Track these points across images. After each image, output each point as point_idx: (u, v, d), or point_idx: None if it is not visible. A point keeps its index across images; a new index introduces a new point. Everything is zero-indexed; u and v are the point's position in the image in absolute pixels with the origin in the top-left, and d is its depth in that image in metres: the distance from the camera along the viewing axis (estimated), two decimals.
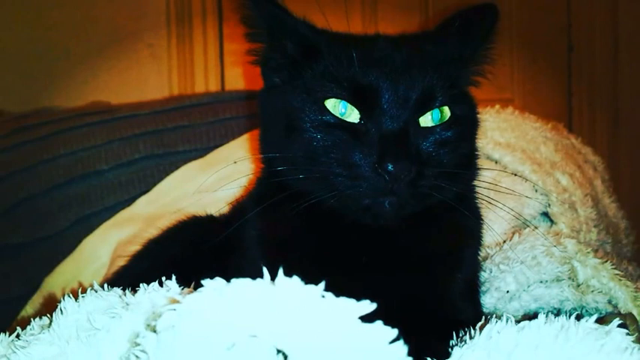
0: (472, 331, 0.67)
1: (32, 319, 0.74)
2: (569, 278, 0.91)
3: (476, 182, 0.88)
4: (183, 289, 0.67)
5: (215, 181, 1.09)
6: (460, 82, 0.87)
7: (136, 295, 0.68)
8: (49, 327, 0.69)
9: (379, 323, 0.54)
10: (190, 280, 0.69)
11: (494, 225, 0.98)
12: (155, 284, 0.68)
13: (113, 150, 1.37)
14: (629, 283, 0.91)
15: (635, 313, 0.84)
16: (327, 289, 0.55)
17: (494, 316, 0.69)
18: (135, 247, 1.05)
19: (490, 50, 0.88)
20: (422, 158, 0.77)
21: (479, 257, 0.92)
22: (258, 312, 0.54)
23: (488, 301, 0.93)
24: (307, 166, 0.78)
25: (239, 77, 1.89)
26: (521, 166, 1.13)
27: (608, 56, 2.18)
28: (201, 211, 1.05)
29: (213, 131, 1.42)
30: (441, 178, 0.78)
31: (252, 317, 0.54)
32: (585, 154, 1.37)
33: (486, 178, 0.90)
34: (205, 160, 1.36)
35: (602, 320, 0.66)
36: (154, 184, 1.35)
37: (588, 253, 0.95)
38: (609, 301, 0.89)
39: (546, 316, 0.64)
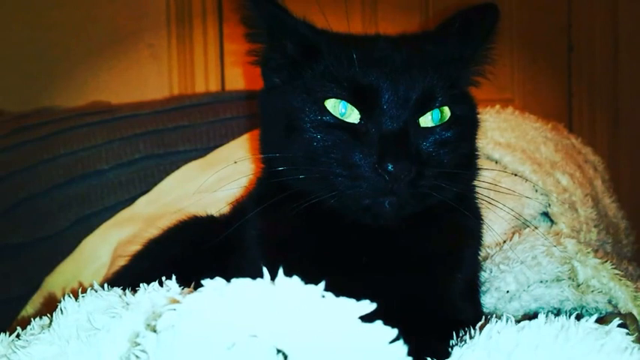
0: (472, 331, 0.67)
1: (32, 319, 0.74)
2: (570, 278, 0.91)
3: (476, 182, 0.88)
4: (183, 289, 0.67)
5: (215, 181, 1.10)
6: (460, 83, 0.87)
7: (136, 294, 0.68)
8: (49, 327, 0.69)
9: (379, 323, 0.54)
10: (190, 280, 0.69)
11: (495, 225, 0.98)
12: (155, 284, 0.68)
13: (113, 150, 1.37)
14: (629, 283, 0.91)
15: (635, 313, 0.84)
16: (327, 289, 0.55)
17: (494, 316, 0.69)
18: (135, 247, 1.05)
19: (490, 50, 0.88)
20: (422, 158, 0.77)
21: (479, 257, 0.92)
22: (258, 312, 0.54)
23: (488, 301, 0.93)
24: (307, 166, 0.78)
25: (239, 77, 1.89)
26: (521, 166, 1.13)
27: (608, 56, 2.18)
28: (201, 211, 1.05)
29: (214, 131, 1.42)
30: (441, 178, 0.78)
31: (253, 317, 0.54)
32: (585, 154, 1.37)
33: (486, 178, 0.90)
34: (206, 160, 1.36)
35: (602, 320, 0.66)
36: (155, 184, 1.35)
37: (588, 253, 0.95)
38: (609, 301, 0.89)
39: (546, 316, 0.64)
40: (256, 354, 0.53)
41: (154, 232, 1.06)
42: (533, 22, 2.12)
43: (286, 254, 0.80)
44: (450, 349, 0.66)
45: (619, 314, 0.82)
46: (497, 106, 1.33)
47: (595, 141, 2.06)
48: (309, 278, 0.56)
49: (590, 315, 0.66)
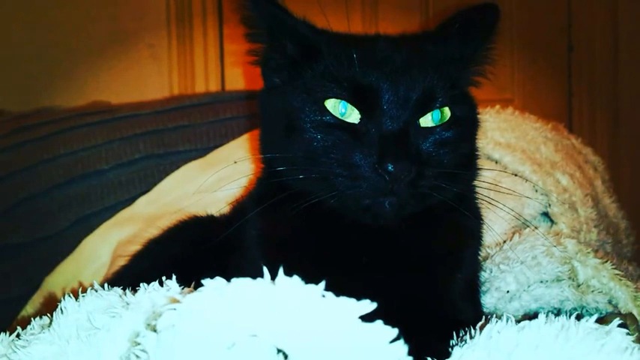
0: (472, 330, 0.67)
1: (32, 319, 0.74)
2: (570, 278, 0.91)
3: (476, 182, 0.88)
4: (183, 288, 0.67)
5: (215, 181, 1.10)
6: (460, 83, 0.87)
7: (137, 294, 0.68)
8: (49, 326, 0.69)
9: (379, 323, 0.54)
10: (191, 280, 0.69)
11: (495, 225, 0.98)
12: (155, 284, 0.68)
13: (113, 150, 1.37)
14: (629, 283, 0.91)
15: (635, 313, 0.84)
16: (327, 289, 0.55)
17: (494, 316, 0.69)
18: (135, 247, 1.05)
19: (491, 50, 0.88)
20: (422, 158, 0.77)
21: (479, 257, 0.92)
22: (259, 311, 0.54)
23: (488, 301, 0.93)
24: (307, 167, 0.78)
25: (239, 77, 1.89)
26: (521, 167, 1.13)
27: (608, 56, 2.18)
28: (201, 211, 1.05)
29: (214, 131, 1.42)
30: (441, 179, 0.78)
31: (253, 317, 0.54)
32: (585, 154, 1.37)
33: (486, 179, 0.90)
34: (205, 160, 1.36)
35: (602, 320, 0.66)
36: (155, 184, 1.35)
37: (588, 253, 0.95)
38: (609, 301, 0.89)
39: (546, 316, 0.64)
40: (256, 354, 0.53)
41: (153, 232, 1.06)
42: (533, 22, 2.12)
43: (286, 254, 0.80)
44: (450, 349, 0.66)
45: (619, 314, 0.82)
46: (498, 107, 1.33)
47: (595, 141, 2.06)
48: (309, 278, 0.56)
49: (591, 315, 0.66)
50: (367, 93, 0.77)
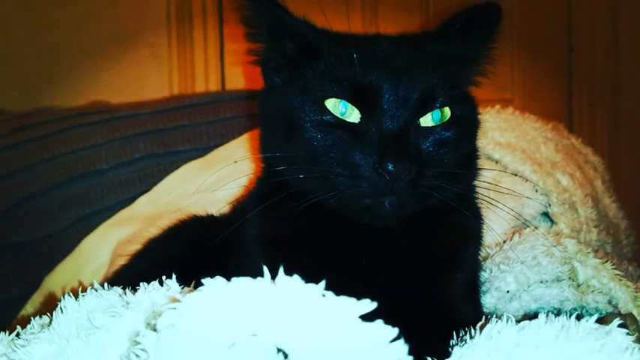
0: (472, 330, 0.67)
1: (32, 318, 0.74)
2: (570, 278, 0.91)
3: (476, 182, 0.88)
4: (183, 288, 0.67)
5: (215, 180, 1.10)
6: (461, 83, 0.86)
7: (136, 294, 0.68)
8: (49, 326, 0.69)
9: (380, 322, 0.54)
10: (191, 279, 0.69)
11: (495, 225, 0.98)
12: (155, 283, 0.68)
13: (113, 149, 1.37)
14: (629, 283, 0.91)
15: (635, 313, 0.84)
16: (327, 289, 0.55)
17: (494, 315, 0.69)
18: (135, 247, 1.05)
19: (492, 50, 0.88)
20: (422, 158, 0.77)
21: (479, 257, 0.92)
22: (259, 311, 0.54)
23: (488, 301, 0.93)
24: (307, 166, 0.78)
25: (239, 77, 1.89)
26: (521, 166, 1.13)
27: (608, 56, 2.18)
28: (201, 210, 1.05)
29: (214, 131, 1.42)
30: (442, 178, 0.78)
31: (253, 316, 0.54)
32: (586, 154, 1.37)
33: (487, 178, 0.90)
34: (205, 159, 1.36)
35: (602, 320, 0.66)
36: (155, 184, 1.35)
37: (588, 253, 0.95)
38: (609, 302, 0.89)
39: (547, 316, 0.64)
40: (256, 353, 0.53)
41: (153, 231, 1.06)
42: (533, 23, 2.12)
43: (286, 253, 0.80)
44: (450, 349, 0.66)
45: (619, 314, 0.82)
46: (498, 106, 1.33)
47: (595, 141, 2.06)
48: (309, 278, 0.56)
49: (591, 315, 0.66)
50: (367, 93, 0.77)
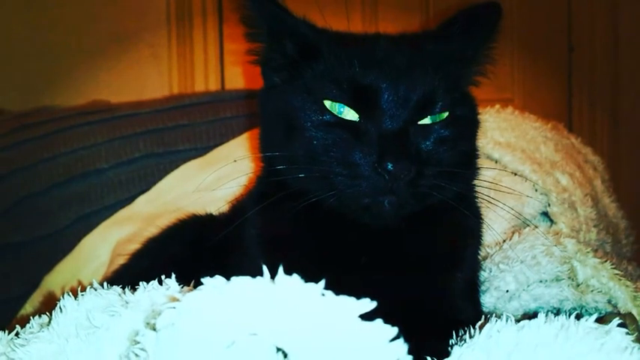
0: (472, 330, 0.66)
1: (32, 318, 0.74)
2: (569, 278, 0.91)
3: (476, 182, 0.88)
4: (182, 287, 0.67)
5: (214, 179, 1.10)
6: (461, 82, 0.87)
7: (136, 293, 0.68)
8: (48, 325, 0.69)
9: (379, 321, 0.54)
10: (190, 278, 0.69)
11: (494, 224, 0.98)
12: (155, 282, 0.68)
13: (113, 149, 1.37)
14: (628, 282, 0.91)
15: (634, 312, 0.84)
16: (326, 288, 0.55)
17: (494, 315, 0.69)
18: (134, 246, 1.05)
19: (492, 49, 0.88)
20: (422, 158, 0.77)
21: (479, 256, 0.92)
22: (258, 310, 0.54)
23: (487, 301, 0.93)
24: (307, 165, 0.78)
25: (239, 76, 1.89)
26: (521, 166, 1.13)
27: (608, 56, 2.18)
28: (200, 209, 1.05)
29: (213, 130, 1.42)
30: (441, 178, 0.78)
31: (252, 315, 0.54)
32: (585, 153, 1.37)
33: (486, 178, 0.90)
34: (205, 159, 1.36)
35: (601, 320, 0.66)
36: (154, 183, 1.35)
37: (588, 252, 0.95)
38: (609, 301, 0.89)
39: (546, 315, 0.64)
40: (256, 352, 0.53)
41: (153, 230, 1.06)
42: (533, 22, 2.12)
43: (285, 253, 0.80)
44: (449, 348, 0.66)
45: (618, 314, 0.82)
46: (497, 106, 1.33)
47: (595, 141, 2.06)
48: (309, 277, 0.56)
49: (590, 315, 0.66)
50: (367, 93, 0.77)
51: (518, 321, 0.64)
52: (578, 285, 0.91)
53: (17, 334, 0.71)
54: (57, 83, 1.80)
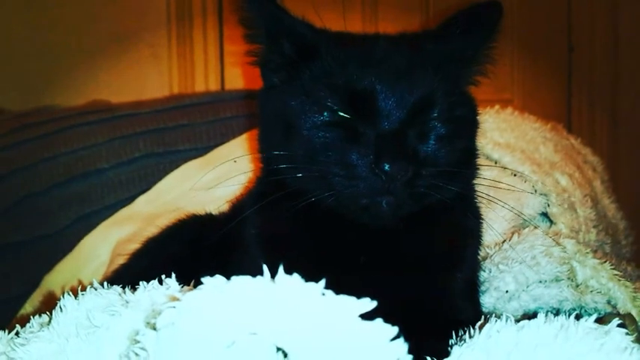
0: (472, 330, 0.67)
1: (32, 317, 0.74)
2: (569, 278, 0.91)
3: (475, 182, 0.88)
4: (182, 286, 0.67)
5: (213, 178, 1.10)
6: (461, 82, 0.86)
7: (136, 292, 0.68)
8: (48, 325, 0.69)
9: (379, 321, 0.54)
10: (190, 278, 0.69)
11: (494, 224, 0.98)
12: (155, 282, 0.68)
13: (114, 148, 1.37)
14: (628, 283, 0.92)
15: (634, 313, 0.84)
16: (326, 288, 0.55)
17: (493, 315, 0.69)
18: (134, 246, 1.05)
19: (492, 49, 0.88)
20: (419, 158, 0.77)
21: (478, 257, 0.92)
22: (258, 309, 0.54)
23: (487, 301, 0.93)
24: (305, 165, 0.79)
25: (239, 77, 1.89)
26: (520, 167, 1.13)
27: (608, 56, 2.18)
28: (200, 209, 1.05)
29: (214, 130, 1.42)
30: (439, 178, 0.78)
31: (252, 315, 0.54)
32: (585, 154, 1.37)
33: (486, 178, 0.90)
34: (205, 159, 1.36)
35: (601, 320, 0.66)
36: (154, 183, 1.35)
37: (587, 253, 0.95)
38: (608, 302, 0.89)
39: (546, 315, 0.64)
40: (256, 352, 0.53)
41: (153, 230, 1.06)
42: (533, 23, 2.12)
43: (284, 252, 0.80)
44: (449, 348, 0.66)
45: (618, 314, 0.82)
46: (497, 107, 1.33)
47: (594, 141, 2.06)
48: (308, 277, 0.56)
49: (589, 315, 0.66)
50: (363, 96, 0.77)
51: (517, 321, 0.64)
52: (577, 285, 0.91)
53: (17, 334, 0.71)
54: (57, 83, 1.79)
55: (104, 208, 1.33)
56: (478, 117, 0.89)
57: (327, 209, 0.78)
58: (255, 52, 0.88)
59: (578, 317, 0.65)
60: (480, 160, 0.92)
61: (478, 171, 0.89)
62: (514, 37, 2.06)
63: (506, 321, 0.64)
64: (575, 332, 0.61)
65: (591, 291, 0.90)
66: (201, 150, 1.39)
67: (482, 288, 0.93)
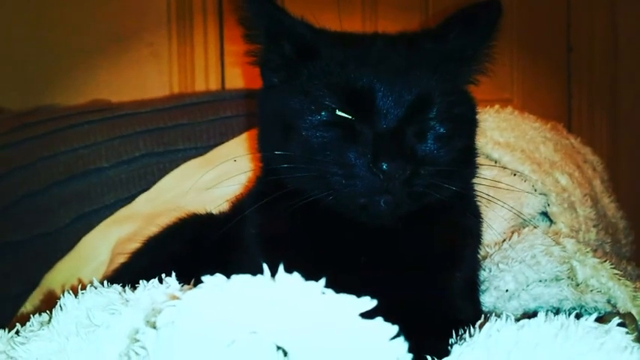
0: (472, 329, 0.67)
1: (32, 316, 0.74)
2: (569, 277, 0.91)
3: (475, 181, 0.88)
4: (182, 285, 0.67)
5: (213, 178, 1.10)
6: (460, 81, 0.86)
7: (136, 291, 0.68)
8: (48, 323, 0.69)
9: (380, 320, 0.54)
10: (190, 277, 0.69)
11: (494, 224, 0.98)
12: (155, 281, 0.68)
13: (113, 147, 1.37)
14: (628, 282, 0.92)
15: (634, 312, 0.84)
16: (326, 287, 0.55)
17: (493, 314, 0.69)
18: (134, 245, 1.06)
19: (492, 48, 0.88)
20: (417, 157, 0.77)
21: (478, 256, 0.92)
22: (258, 308, 0.54)
23: (487, 300, 0.93)
24: (304, 165, 0.79)
25: (239, 76, 1.89)
26: (520, 166, 1.13)
27: (608, 56, 2.19)
28: (200, 208, 1.05)
29: (214, 129, 1.42)
30: (438, 177, 0.78)
31: (252, 313, 0.54)
32: (584, 154, 1.37)
33: (486, 177, 0.90)
34: (205, 158, 1.36)
35: (601, 320, 0.66)
36: (154, 182, 1.35)
37: (587, 252, 0.95)
38: (608, 301, 0.89)
39: (546, 314, 0.64)
40: (256, 351, 0.53)
41: (153, 229, 1.06)
42: (532, 23, 2.12)
43: (284, 252, 0.79)
44: (449, 348, 0.66)
45: (618, 314, 0.82)
46: (497, 106, 1.33)
47: (594, 141, 2.06)
48: (308, 276, 0.56)
49: (589, 314, 0.66)
50: (361, 95, 0.77)
51: (517, 320, 0.64)
52: (577, 285, 0.91)
53: (17, 333, 0.71)
54: (57, 83, 1.79)
55: (104, 207, 1.33)
56: (477, 116, 0.89)
57: (326, 208, 0.78)
58: (254, 52, 0.88)
59: (578, 316, 0.64)
60: (480, 160, 0.92)
61: (478, 170, 0.89)
62: (513, 37, 2.06)
63: (507, 320, 0.64)
64: (576, 331, 0.61)
65: (591, 290, 0.90)
66: (201, 149, 1.39)
67: (482, 287, 0.94)
